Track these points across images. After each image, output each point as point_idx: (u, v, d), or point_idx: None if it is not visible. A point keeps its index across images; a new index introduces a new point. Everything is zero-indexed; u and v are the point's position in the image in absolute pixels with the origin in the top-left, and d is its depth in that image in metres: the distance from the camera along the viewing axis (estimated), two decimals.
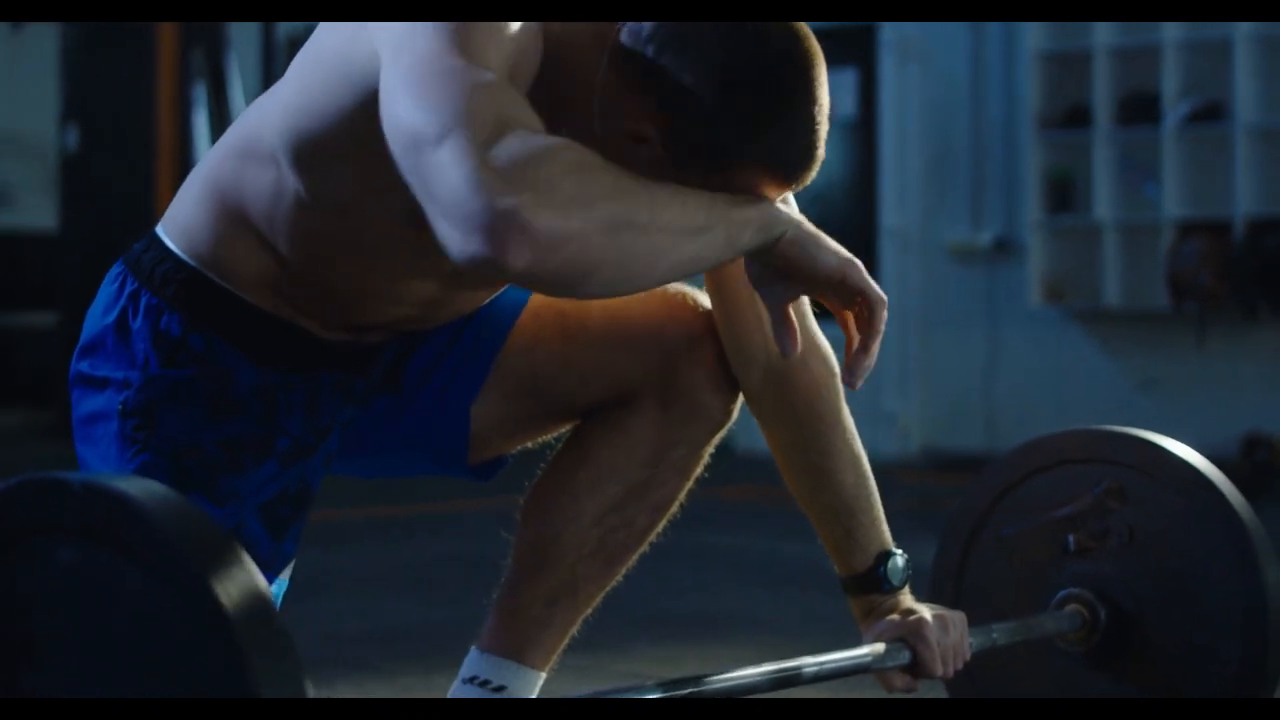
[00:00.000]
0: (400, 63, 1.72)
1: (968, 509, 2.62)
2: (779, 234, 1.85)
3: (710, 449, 2.26)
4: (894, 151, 8.97)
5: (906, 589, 2.28)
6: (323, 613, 4.14)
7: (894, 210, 8.95)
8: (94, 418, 2.08)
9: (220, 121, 9.38)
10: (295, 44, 9.57)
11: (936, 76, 8.86)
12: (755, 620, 4.29)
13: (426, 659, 3.52)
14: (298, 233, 1.99)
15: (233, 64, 9.58)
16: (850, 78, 9.06)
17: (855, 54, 8.99)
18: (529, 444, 2.32)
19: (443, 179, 1.61)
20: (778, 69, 1.86)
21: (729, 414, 2.25)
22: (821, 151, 1.90)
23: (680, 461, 2.23)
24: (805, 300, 2.18)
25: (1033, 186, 8.33)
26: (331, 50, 1.92)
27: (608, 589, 2.27)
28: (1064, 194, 8.29)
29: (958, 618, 2.25)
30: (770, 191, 1.90)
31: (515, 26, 1.80)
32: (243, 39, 9.72)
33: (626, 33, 1.87)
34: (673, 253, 1.74)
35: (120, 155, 9.69)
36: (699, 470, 2.26)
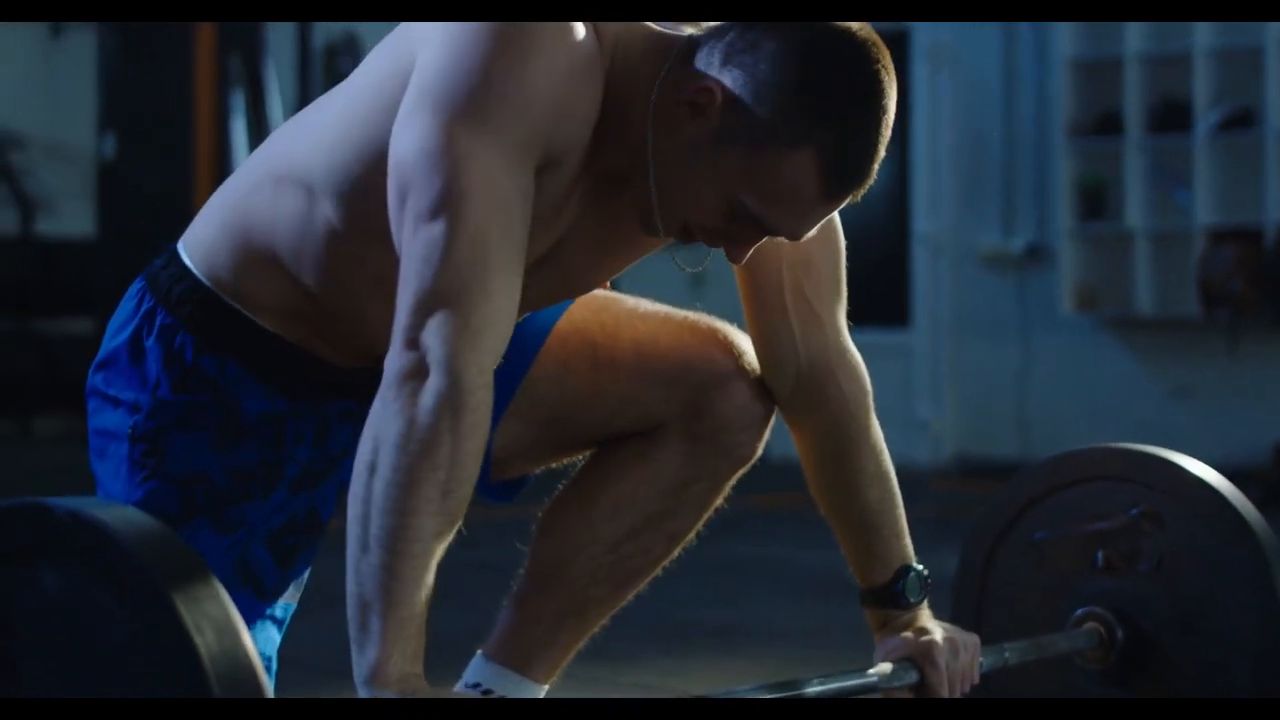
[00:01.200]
0: (421, 110, 1.82)
1: (999, 510, 2.61)
2: (363, 679, 1.74)
3: (732, 482, 2.26)
4: (926, 158, 8.98)
5: (924, 605, 2.27)
6: (341, 620, 4.16)
7: (926, 217, 8.96)
8: (106, 434, 2.09)
9: (258, 128, 9.42)
10: (332, 51, 9.68)
11: (969, 83, 8.87)
12: (771, 631, 4.29)
13: (445, 666, 3.56)
14: (328, 262, 2.00)
15: (270, 71, 9.62)
16: None
17: None
18: (552, 465, 2.31)
19: (422, 284, 1.79)
20: (859, 64, 1.86)
21: (755, 451, 2.24)
22: (875, 171, 1.89)
23: (701, 495, 2.23)
24: (841, 314, 2.20)
25: (1064, 193, 8.34)
26: (372, 85, 1.95)
27: (617, 609, 2.28)
28: (1095, 201, 8.30)
29: (970, 640, 2.23)
30: (807, 205, 1.89)
31: (559, 82, 1.85)
32: (280, 45, 9.77)
33: (704, 30, 1.92)
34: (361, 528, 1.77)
35: (158, 163, 9.75)
36: (719, 502, 2.26)
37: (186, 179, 9.62)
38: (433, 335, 1.77)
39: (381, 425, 1.77)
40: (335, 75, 9.80)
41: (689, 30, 1.96)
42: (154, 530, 1.50)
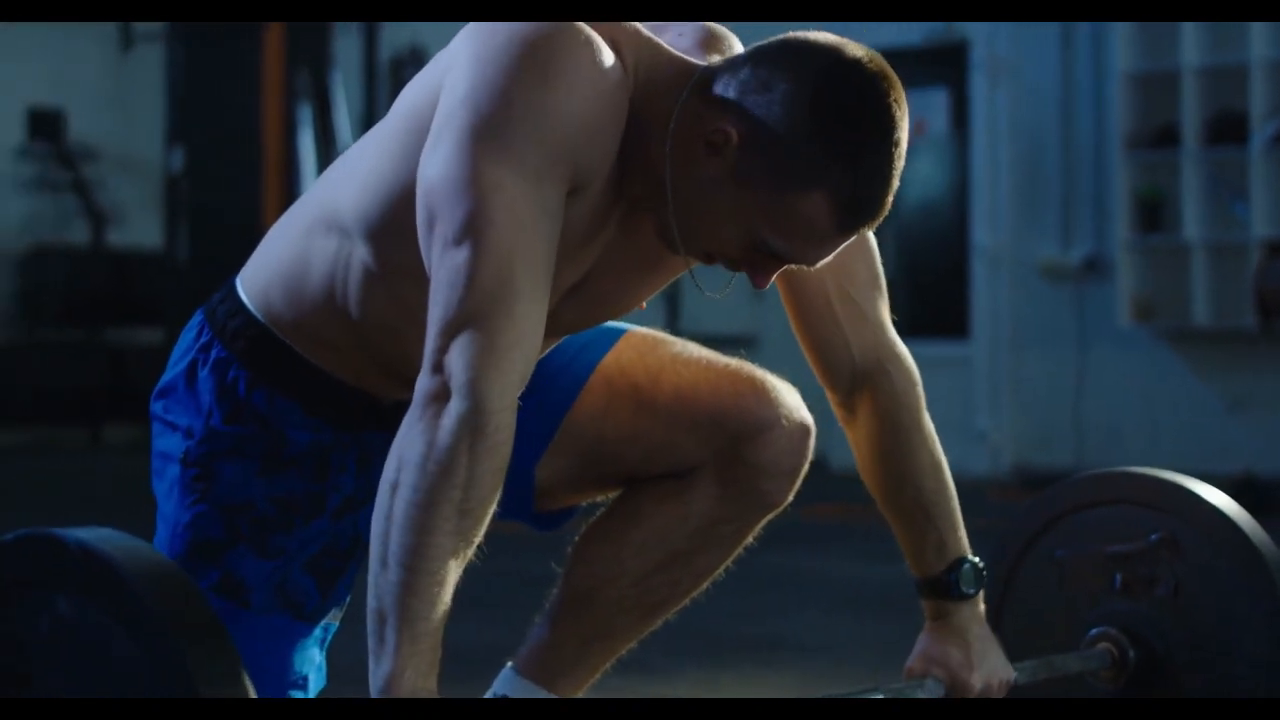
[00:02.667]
0: (447, 134, 1.87)
1: (1026, 523, 2.66)
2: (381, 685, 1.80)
3: (762, 524, 2.31)
4: (985, 171, 9.01)
5: (979, 597, 2.31)
6: (363, 631, 4.12)
7: (985, 229, 8.99)
8: (164, 458, 2.17)
9: (325, 141, 9.53)
10: (398, 65, 9.76)
11: (1027, 96, 8.90)
12: (806, 645, 4.31)
13: (477, 678, 3.58)
14: (367, 301, 2.05)
15: (337, 84, 9.73)
16: (941, 97, 9.10)
17: (946, 73, 9.04)
18: (596, 498, 2.37)
19: (449, 305, 1.83)
20: (869, 100, 1.89)
21: (786, 498, 2.29)
22: (889, 203, 1.93)
23: (729, 535, 2.28)
24: (884, 308, 2.25)
25: (1122, 206, 8.36)
26: (403, 120, 2.00)
27: (646, 634, 2.33)
28: (1153, 213, 8.32)
29: (1003, 679, 2.29)
30: (823, 239, 1.93)
31: (585, 106, 1.88)
32: (346, 58, 9.87)
33: (720, 61, 1.97)
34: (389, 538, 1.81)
35: (226, 175, 9.89)
36: (748, 540, 2.31)
37: (254, 192, 9.74)
38: (456, 358, 1.81)
39: (405, 445, 1.82)
40: (401, 87, 9.87)
41: (698, 61, 1.99)
42: (160, 565, 1.58)
